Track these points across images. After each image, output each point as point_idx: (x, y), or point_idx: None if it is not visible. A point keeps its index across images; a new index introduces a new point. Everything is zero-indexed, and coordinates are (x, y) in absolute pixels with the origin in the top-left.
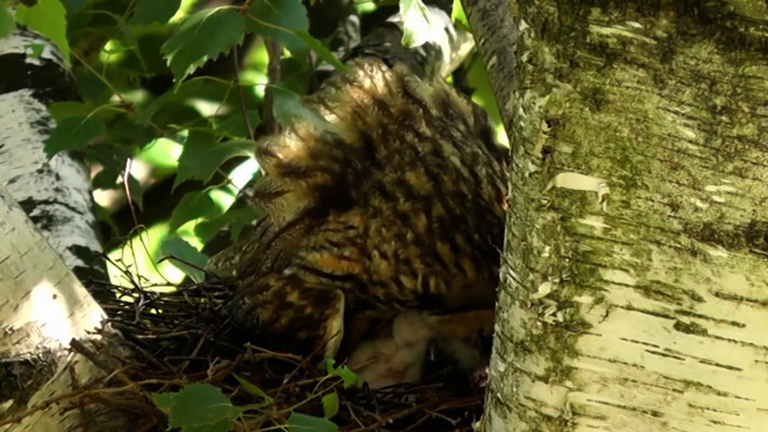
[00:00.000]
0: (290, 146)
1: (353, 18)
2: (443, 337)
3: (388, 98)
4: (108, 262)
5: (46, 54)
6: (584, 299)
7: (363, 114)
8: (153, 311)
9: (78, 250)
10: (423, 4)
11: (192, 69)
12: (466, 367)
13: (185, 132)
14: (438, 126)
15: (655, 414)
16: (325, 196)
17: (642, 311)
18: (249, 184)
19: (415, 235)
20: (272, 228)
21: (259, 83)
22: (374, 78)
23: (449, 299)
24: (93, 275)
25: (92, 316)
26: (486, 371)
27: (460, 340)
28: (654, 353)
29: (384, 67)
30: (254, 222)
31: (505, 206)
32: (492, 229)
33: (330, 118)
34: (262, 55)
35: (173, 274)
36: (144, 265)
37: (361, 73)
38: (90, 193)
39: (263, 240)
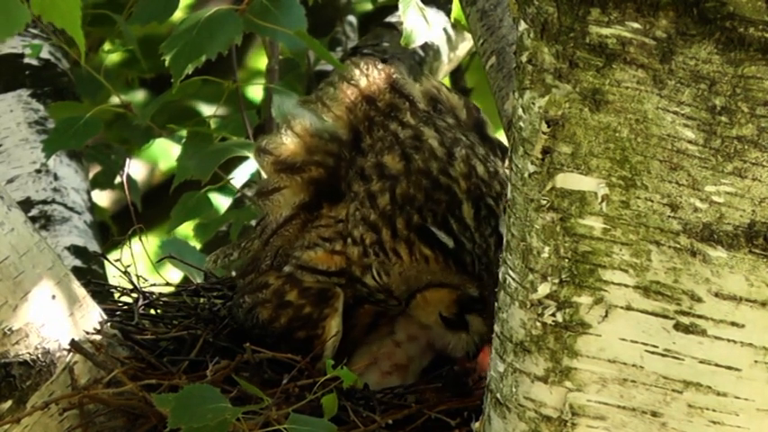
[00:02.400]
0: (286, 143)
1: (351, 18)
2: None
3: (376, 93)
4: (106, 262)
5: (44, 54)
6: (584, 299)
7: (355, 110)
8: (152, 312)
9: (76, 250)
10: (422, 5)
11: (190, 69)
12: (462, 352)
13: (184, 132)
14: (423, 116)
15: (654, 414)
16: (319, 190)
17: (642, 312)
18: (247, 185)
19: (376, 216)
20: (270, 225)
21: (256, 83)
22: (370, 77)
23: (395, 289)
24: (91, 275)
25: (91, 316)
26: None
27: (439, 327)
28: (653, 353)
29: (380, 66)
30: (254, 222)
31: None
32: (436, 208)
33: (328, 116)
34: (258, 60)
35: (172, 275)
36: (143, 265)
37: (357, 72)
38: (88, 193)
39: (262, 238)
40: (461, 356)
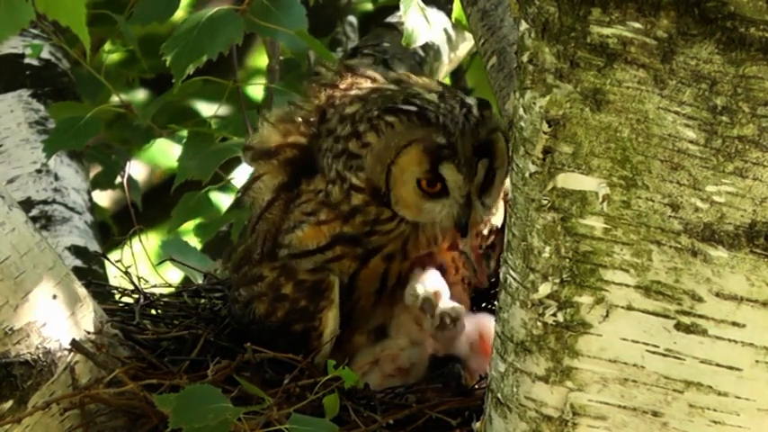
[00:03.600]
0: (263, 134)
1: (352, 18)
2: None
3: (338, 79)
4: (107, 262)
5: (45, 54)
6: (585, 299)
7: (320, 96)
8: (153, 312)
9: (77, 250)
10: (423, 5)
11: (191, 69)
12: (451, 224)
13: (184, 132)
14: (385, 84)
15: (655, 414)
16: (295, 170)
17: (642, 312)
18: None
19: (342, 143)
20: (256, 212)
21: (257, 83)
22: (335, 74)
23: (374, 177)
24: (91, 276)
25: (92, 316)
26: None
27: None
28: (654, 353)
29: (344, 63)
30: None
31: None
32: (397, 99)
33: (301, 114)
34: (259, 60)
35: (172, 274)
36: (145, 265)
37: (323, 69)
38: (89, 193)
39: (248, 226)
40: (456, 230)
